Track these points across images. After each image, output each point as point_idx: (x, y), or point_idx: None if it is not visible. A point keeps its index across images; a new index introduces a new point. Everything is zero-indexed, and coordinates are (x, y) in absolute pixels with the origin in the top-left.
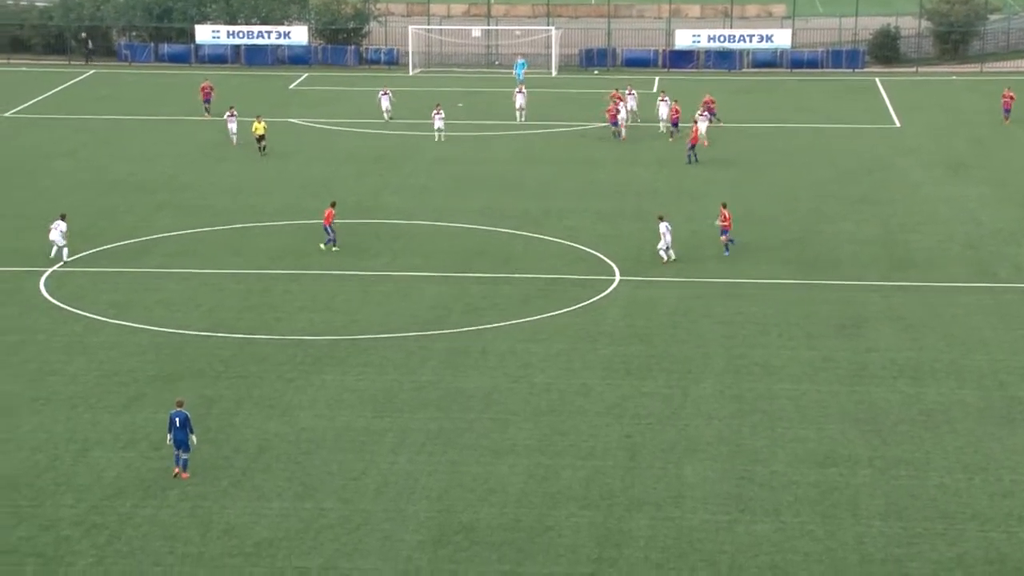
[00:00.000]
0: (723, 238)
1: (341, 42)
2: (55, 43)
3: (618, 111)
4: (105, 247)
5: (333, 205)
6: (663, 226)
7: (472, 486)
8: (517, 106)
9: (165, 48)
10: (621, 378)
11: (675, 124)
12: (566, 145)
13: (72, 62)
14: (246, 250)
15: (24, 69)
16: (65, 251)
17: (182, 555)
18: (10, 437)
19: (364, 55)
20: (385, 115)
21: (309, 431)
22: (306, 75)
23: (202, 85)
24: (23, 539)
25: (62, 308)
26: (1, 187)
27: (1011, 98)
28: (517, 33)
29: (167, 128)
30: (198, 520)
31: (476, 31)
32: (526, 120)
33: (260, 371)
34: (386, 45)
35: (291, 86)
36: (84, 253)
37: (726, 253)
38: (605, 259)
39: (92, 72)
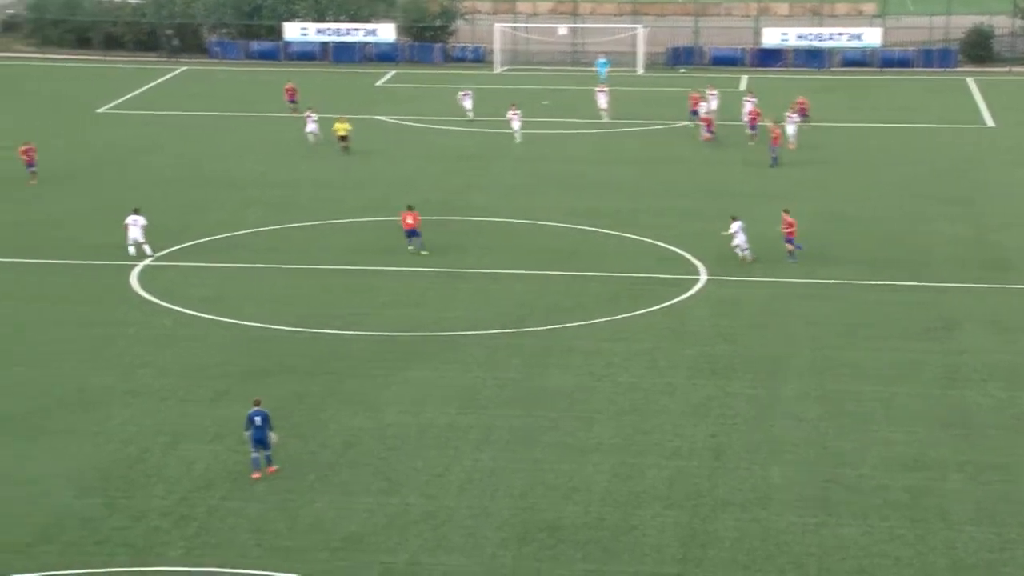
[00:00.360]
0: (788, 246)
1: (428, 40)
2: (147, 40)
3: (695, 112)
4: (195, 242)
5: (411, 208)
6: (735, 225)
7: (556, 484)
8: (600, 106)
9: (255, 45)
10: (706, 378)
11: (753, 127)
12: (652, 144)
13: (163, 59)
14: (333, 246)
15: (119, 66)
16: (147, 246)
17: (269, 548)
18: (102, 429)
19: (450, 53)
20: (469, 115)
21: (395, 427)
22: (393, 73)
23: (286, 87)
24: (115, 530)
25: (153, 302)
26: (94, 182)
27: None
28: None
29: (256, 125)
30: (285, 514)
31: (562, 29)
32: (610, 119)
33: (347, 367)
34: (472, 43)
35: (378, 83)
36: (174, 248)
37: (791, 260)
38: (691, 258)
39: (183, 69)
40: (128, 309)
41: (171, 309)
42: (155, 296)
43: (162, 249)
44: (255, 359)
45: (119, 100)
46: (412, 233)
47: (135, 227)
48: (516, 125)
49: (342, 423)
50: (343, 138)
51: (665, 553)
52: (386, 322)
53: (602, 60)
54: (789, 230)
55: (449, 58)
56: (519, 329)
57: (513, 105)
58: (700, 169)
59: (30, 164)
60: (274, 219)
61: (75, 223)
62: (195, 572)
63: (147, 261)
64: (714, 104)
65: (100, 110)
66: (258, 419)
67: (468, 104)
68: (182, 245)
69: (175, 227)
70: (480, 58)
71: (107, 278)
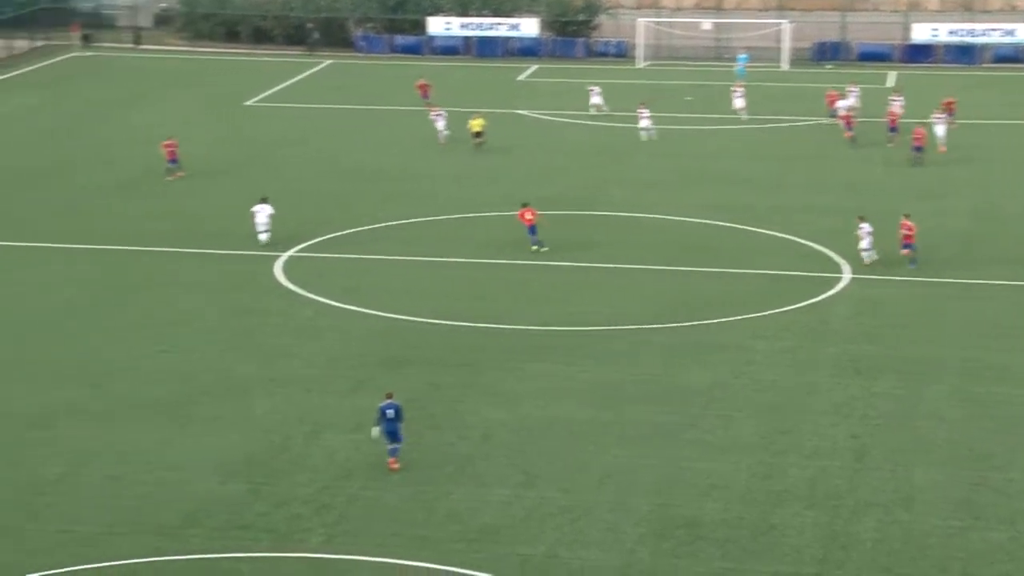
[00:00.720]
0: (905, 252)
1: (571, 35)
2: (295, 34)
3: (835, 111)
4: (337, 234)
5: (526, 205)
6: (864, 227)
7: (694, 481)
8: (736, 106)
9: (399, 40)
10: (849, 377)
11: (893, 128)
12: (794, 140)
13: (309, 53)
14: (473, 239)
15: (266, 59)
16: (266, 235)
17: (407, 538)
18: (246, 417)
19: (593, 48)
20: (593, 110)
21: (532, 420)
22: (535, 67)
23: (418, 83)
24: (259, 515)
25: (296, 292)
26: (240, 174)
27: None
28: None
29: (398, 119)
30: (422, 504)
31: (706, 24)
32: (748, 116)
33: (485, 359)
34: (615, 38)
35: (519, 78)
36: (317, 239)
37: (911, 266)
38: (834, 256)
39: (329, 63)
40: (272, 299)
41: (313, 299)
42: (298, 286)
43: (305, 240)
44: (393, 350)
45: (266, 93)
46: (532, 230)
47: (262, 214)
48: (644, 123)
49: (479, 415)
50: (477, 134)
51: (805, 554)
52: (524, 316)
53: (742, 56)
54: (908, 236)
55: (592, 53)
56: (658, 325)
57: (642, 104)
58: (843, 166)
59: (172, 159)
60: (415, 212)
61: (223, 214)
62: (335, 560)
63: (292, 251)
64: (852, 101)
65: (248, 103)
66: (390, 412)
67: (597, 100)
68: (324, 237)
69: (318, 219)
70: (623, 53)
71: (252, 268)
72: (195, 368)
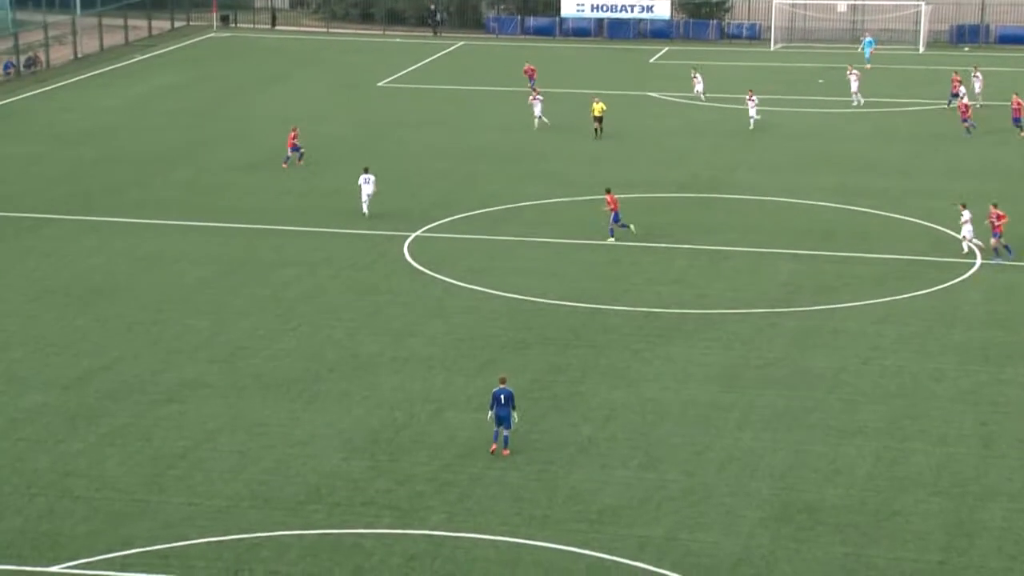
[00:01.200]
0: (993, 241)
1: (703, 17)
2: (428, 15)
3: (955, 95)
4: (466, 214)
5: (609, 191)
6: (966, 215)
7: (817, 466)
8: (852, 89)
9: (531, 21)
10: (978, 364)
11: (1017, 120)
12: (928, 123)
13: (443, 34)
14: (599, 221)
15: (398, 40)
16: (367, 207)
17: (528, 517)
18: (372, 394)
19: (726, 30)
20: (701, 96)
21: (655, 403)
22: (666, 49)
23: (525, 68)
24: (381, 492)
25: (423, 272)
26: (371, 154)
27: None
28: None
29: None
30: (544, 484)
31: (842, 6)
32: (863, 99)
33: (608, 341)
34: (748, 20)
35: (651, 60)
36: (446, 219)
37: (996, 260)
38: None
39: (460, 44)
40: (399, 278)
41: (440, 279)
42: (425, 266)
43: (433, 221)
44: (518, 331)
45: (399, 74)
46: (615, 217)
47: (367, 185)
48: (752, 112)
49: (602, 396)
50: (598, 119)
51: (928, 540)
52: (648, 298)
53: (868, 39)
54: (998, 223)
55: (724, 35)
56: (784, 309)
57: (751, 91)
58: (976, 151)
59: (294, 148)
60: (543, 193)
61: (352, 193)
62: (455, 537)
63: (419, 232)
64: (978, 87)
65: (380, 83)
66: (503, 397)
67: (699, 87)
68: (453, 217)
69: (447, 199)
70: (756, 35)
71: (380, 247)
72: (322, 345)
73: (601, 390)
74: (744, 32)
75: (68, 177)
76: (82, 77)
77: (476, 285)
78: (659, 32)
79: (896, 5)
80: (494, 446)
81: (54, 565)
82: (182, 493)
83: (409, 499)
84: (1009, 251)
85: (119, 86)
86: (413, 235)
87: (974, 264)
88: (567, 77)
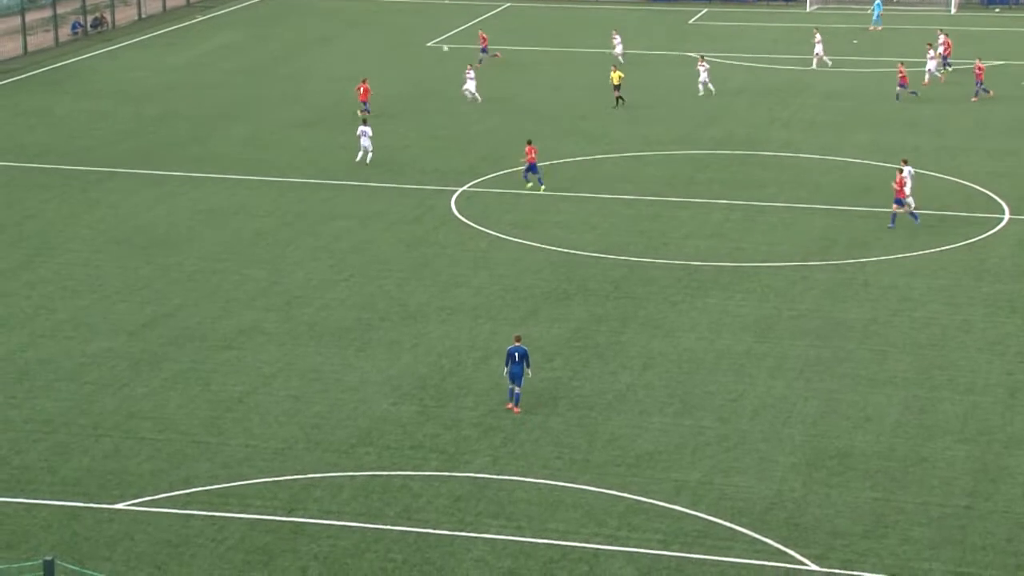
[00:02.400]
0: (894, 207)
1: None
2: None
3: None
4: (511, 170)
5: (530, 142)
6: (907, 171)
7: (848, 413)
8: (816, 51)
9: None
10: (1005, 316)
11: (979, 83)
12: (959, 83)
13: None
14: (639, 177)
15: (446, 1)
16: (370, 155)
17: (569, 461)
18: (420, 342)
19: None
20: (619, 60)
21: (691, 352)
22: (706, 10)
23: (481, 34)
24: (428, 436)
25: (470, 225)
26: (421, 111)
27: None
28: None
29: (573, 59)
30: (584, 430)
31: None
32: (828, 64)
33: (647, 293)
34: None
35: (690, 21)
36: (492, 175)
37: (891, 225)
38: (995, 197)
39: (507, 5)
40: (448, 231)
41: (485, 233)
42: (471, 220)
43: (479, 176)
44: (560, 282)
45: (447, 35)
46: (531, 168)
47: (365, 137)
48: (703, 76)
49: (640, 346)
50: (616, 87)
51: (955, 486)
52: (685, 251)
53: (877, 2)
54: (899, 191)
55: None
56: (817, 262)
57: (702, 56)
58: (1008, 109)
59: (364, 101)
60: (584, 150)
61: (404, 150)
62: (499, 480)
63: (466, 186)
64: (941, 52)
65: (429, 44)
66: (517, 355)
67: (619, 49)
68: (499, 172)
69: (492, 155)
70: None
71: (428, 201)
72: (373, 295)
73: (640, 340)
74: None
75: (132, 133)
76: (146, 37)
77: (520, 238)
78: None
79: None
80: (509, 404)
81: (119, 502)
82: (240, 435)
83: (455, 443)
84: (893, 220)
85: (181, 46)
86: (460, 190)
87: (1002, 219)
88: (609, 38)
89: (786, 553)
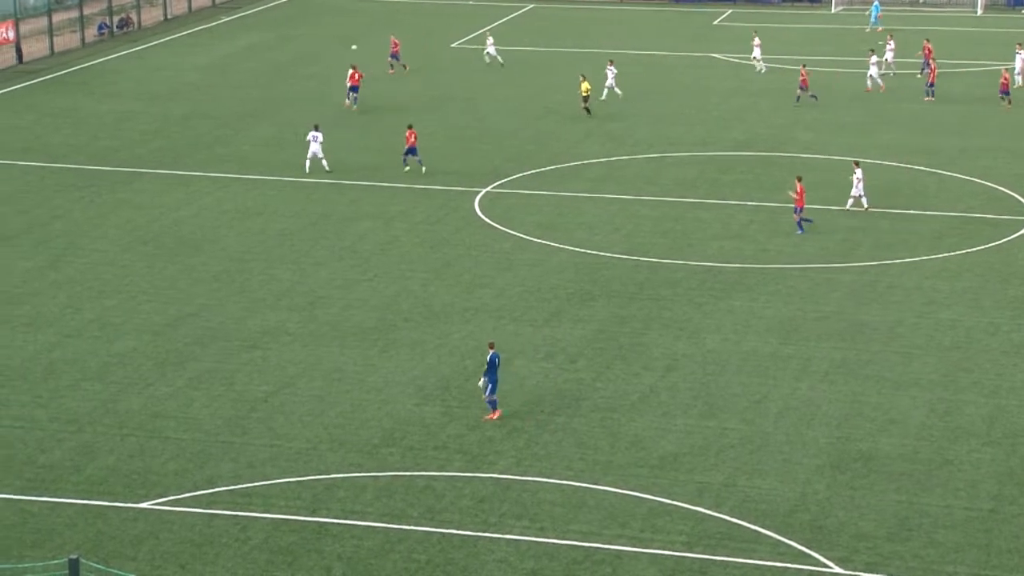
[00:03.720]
0: (795, 216)
1: None
2: None
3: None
4: (534, 171)
5: (410, 127)
6: (858, 172)
7: (872, 416)
8: (753, 55)
9: None
10: None
11: (930, 84)
12: (984, 85)
13: None
14: (662, 178)
15: (471, 3)
16: (325, 162)
17: (591, 462)
18: (444, 343)
19: None
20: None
21: (715, 354)
22: (730, 11)
23: (393, 40)
24: (452, 436)
25: (493, 226)
26: (444, 112)
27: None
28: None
29: (596, 60)
30: (607, 431)
31: None
32: (763, 70)
33: (671, 294)
34: None
35: (715, 22)
36: (515, 176)
37: (800, 231)
38: (1021, 199)
39: (531, 7)
40: (472, 232)
41: (509, 234)
42: (495, 221)
43: (503, 177)
44: (584, 283)
45: (471, 35)
46: (411, 151)
47: (315, 143)
48: (610, 80)
49: (664, 347)
50: (584, 98)
51: (980, 489)
52: (710, 252)
53: (876, 3)
54: (798, 199)
55: None
56: (841, 264)
57: (611, 61)
58: None
59: (353, 88)
60: (608, 151)
61: (429, 150)
62: (523, 480)
63: (491, 187)
64: (889, 57)
65: (454, 44)
66: (497, 360)
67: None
68: (522, 173)
69: (516, 156)
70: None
71: (452, 202)
72: (397, 296)
73: (664, 341)
74: None
75: (158, 133)
76: (171, 37)
77: (543, 239)
78: None
79: None
80: (497, 413)
81: (144, 501)
82: (264, 435)
83: (479, 444)
84: (805, 224)
85: (206, 46)
86: (484, 191)
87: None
88: (633, 39)
89: (810, 555)
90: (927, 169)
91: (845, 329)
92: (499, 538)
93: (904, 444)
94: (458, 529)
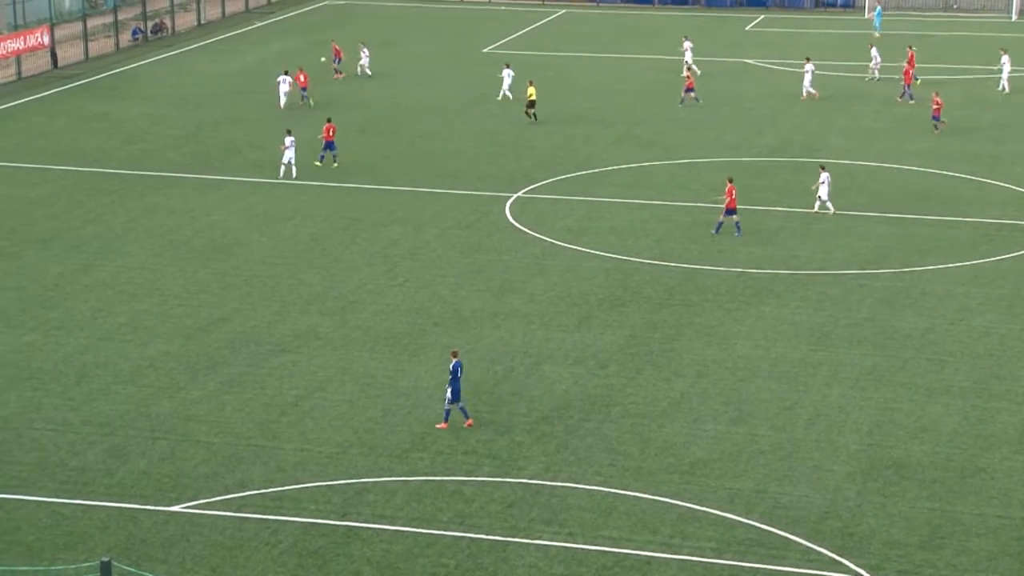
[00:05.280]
0: (722, 217)
1: None
2: None
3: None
4: (565, 176)
5: (329, 120)
6: (823, 176)
7: (904, 423)
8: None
9: None
10: None
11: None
12: (1020, 91)
13: (546, 2)
14: (694, 184)
15: (502, 8)
16: (294, 169)
17: (621, 468)
18: (474, 348)
19: None
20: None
21: (746, 360)
22: (762, 17)
23: (334, 46)
24: (482, 441)
25: (524, 232)
26: (476, 116)
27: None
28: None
29: (627, 65)
30: (638, 437)
31: None
32: (879, 76)
33: (702, 300)
34: None
35: (747, 27)
36: (546, 181)
37: (715, 232)
38: None
39: (562, 12)
40: (502, 237)
41: (539, 239)
42: (525, 226)
43: (534, 182)
44: (614, 289)
45: (502, 40)
46: (328, 145)
47: (290, 149)
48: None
49: (695, 353)
50: (531, 103)
51: (1012, 497)
52: (740, 258)
53: (878, 9)
54: (730, 201)
55: (819, 3)
56: (874, 270)
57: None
58: None
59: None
60: (638, 156)
61: (460, 155)
62: (552, 486)
63: (521, 192)
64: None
65: (485, 50)
66: (460, 370)
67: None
68: (552, 178)
69: (547, 161)
70: (850, 3)
71: (483, 207)
72: (427, 301)
73: (694, 347)
74: (838, 1)
75: (191, 138)
76: (205, 42)
77: (574, 244)
78: (755, 1)
79: None
80: (470, 420)
81: (175, 505)
82: (294, 439)
83: (508, 449)
84: (718, 229)
85: (240, 51)
86: (514, 196)
87: None
88: (665, 44)
89: (841, 563)
90: (962, 175)
91: (877, 336)
92: (528, 543)
93: (936, 451)
94: (487, 534)
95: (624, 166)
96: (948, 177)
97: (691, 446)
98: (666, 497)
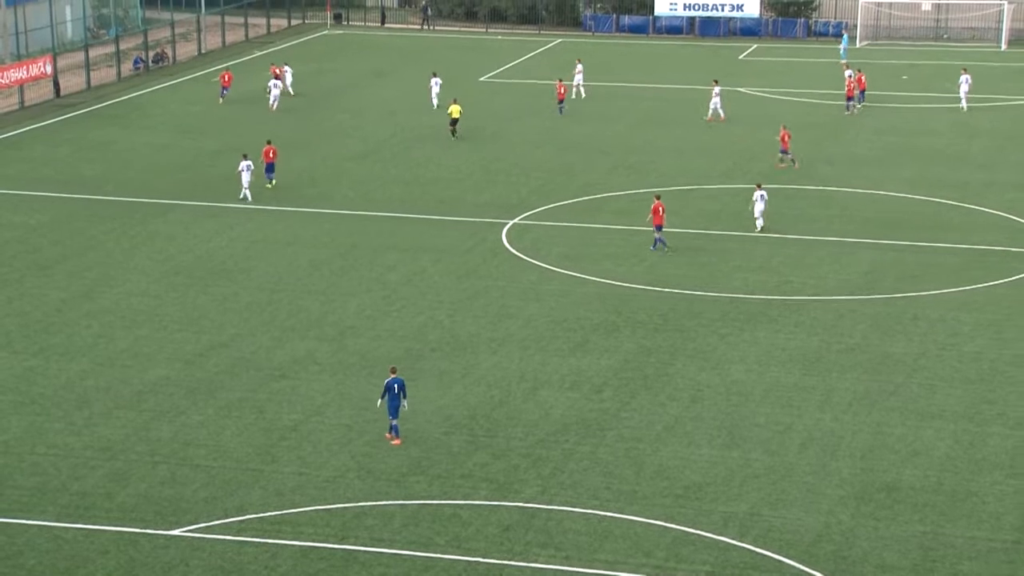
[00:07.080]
0: (657, 234)
1: (791, 15)
2: (528, 14)
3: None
4: (561, 203)
5: (270, 143)
6: (758, 194)
7: (896, 447)
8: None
9: (626, 19)
10: None
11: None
12: (1010, 119)
13: (542, 31)
14: (687, 210)
15: (499, 38)
16: (248, 192)
17: (617, 491)
18: (470, 373)
19: (813, 28)
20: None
21: (739, 384)
22: (755, 46)
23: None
24: (478, 465)
25: (520, 257)
26: (472, 145)
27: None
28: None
29: (624, 94)
30: (632, 460)
31: (927, 4)
32: (860, 108)
33: (695, 325)
34: (835, 18)
35: (741, 56)
36: (542, 208)
37: (652, 248)
38: None
39: (558, 41)
40: (499, 263)
41: (535, 265)
42: (521, 252)
43: (530, 209)
44: (609, 314)
45: (499, 69)
46: (269, 167)
47: (247, 172)
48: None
49: (689, 378)
50: (454, 121)
51: (1003, 521)
52: (734, 284)
53: (845, 36)
54: (657, 218)
55: (811, 33)
56: (865, 296)
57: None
58: None
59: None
60: (634, 183)
61: (457, 182)
62: (548, 510)
63: (516, 219)
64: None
65: (482, 79)
66: (396, 387)
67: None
68: (548, 205)
69: (544, 189)
70: (841, 33)
71: (480, 234)
72: (424, 326)
73: (688, 372)
74: (831, 30)
75: (191, 165)
76: (205, 71)
77: (570, 270)
78: (748, 30)
79: (979, 3)
80: (388, 435)
81: (174, 528)
82: (293, 463)
83: (505, 472)
84: (655, 245)
85: (239, 80)
86: (511, 222)
87: None
88: (660, 73)
89: None
90: (951, 202)
91: (869, 360)
92: (525, 567)
93: (928, 475)
94: (484, 557)
95: (619, 193)
96: (939, 204)
97: (685, 470)
98: (661, 520)
